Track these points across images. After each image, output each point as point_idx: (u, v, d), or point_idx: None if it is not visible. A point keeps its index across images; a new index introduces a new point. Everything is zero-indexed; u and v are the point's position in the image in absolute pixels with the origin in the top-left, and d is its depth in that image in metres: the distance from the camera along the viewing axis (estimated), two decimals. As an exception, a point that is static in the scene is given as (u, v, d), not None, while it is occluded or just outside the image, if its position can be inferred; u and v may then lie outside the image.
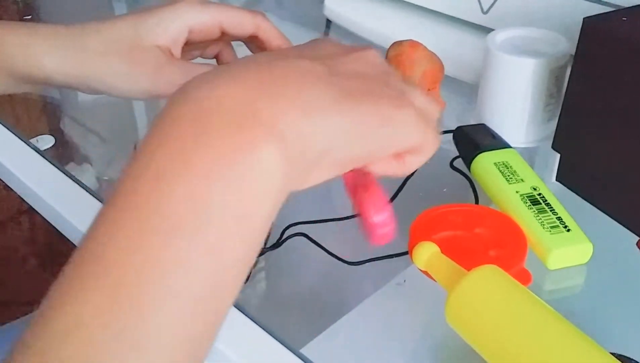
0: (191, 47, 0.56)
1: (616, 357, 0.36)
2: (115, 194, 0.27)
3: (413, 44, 0.61)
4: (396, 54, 0.61)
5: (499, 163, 0.54)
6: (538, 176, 0.53)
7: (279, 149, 0.27)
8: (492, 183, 0.53)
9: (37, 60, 0.51)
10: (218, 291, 0.27)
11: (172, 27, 0.52)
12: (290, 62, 0.31)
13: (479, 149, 0.56)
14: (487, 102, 0.62)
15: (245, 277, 0.28)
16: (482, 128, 0.60)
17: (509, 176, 0.53)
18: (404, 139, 0.34)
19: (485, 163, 0.54)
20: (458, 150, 0.59)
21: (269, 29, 0.55)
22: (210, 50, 0.59)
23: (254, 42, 0.56)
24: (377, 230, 0.36)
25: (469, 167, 0.57)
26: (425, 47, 0.62)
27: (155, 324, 0.26)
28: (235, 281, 0.28)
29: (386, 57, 0.62)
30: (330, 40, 0.36)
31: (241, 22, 0.54)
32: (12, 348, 0.26)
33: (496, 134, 0.58)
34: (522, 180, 0.52)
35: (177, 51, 0.53)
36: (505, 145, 0.56)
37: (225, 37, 0.56)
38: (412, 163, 0.35)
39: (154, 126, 0.28)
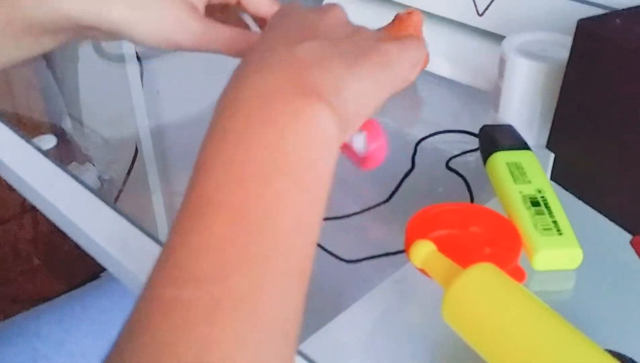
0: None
1: (611, 354, 0.36)
2: (202, 163, 0.32)
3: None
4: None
5: (511, 163, 0.54)
6: (548, 181, 0.53)
7: (328, 109, 0.34)
8: (500, 182, 0.54)
9: (53, 2, 0.48)
10: (308, 218, 0.32)
11: None
12: (304, 47, 0.36)
13: (495, 148, 0.56)
14: (506, 106, 0.63)
15: (321, 218, 0.33)
16: (506, 129, 0.60)
17: (517, 176, 0.53)
18: (401, 74, 0.39)
19: (498, 162, 0.55)
20: (480, 148, 0.60)
21: None
22: None
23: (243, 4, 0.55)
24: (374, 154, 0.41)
25: (485, 165, 0.57)
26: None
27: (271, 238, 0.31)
28: (317, 214, 0.33)
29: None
30: (298, 8, 0.41)
31: None
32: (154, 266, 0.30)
33: (518, 135, 0.58)
34: (529, 182, 0.53)
35: (201, 6, 0.51)
36: (523, 147, 0.57)
37: None
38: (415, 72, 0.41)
39: (221, 111, 0.34)
